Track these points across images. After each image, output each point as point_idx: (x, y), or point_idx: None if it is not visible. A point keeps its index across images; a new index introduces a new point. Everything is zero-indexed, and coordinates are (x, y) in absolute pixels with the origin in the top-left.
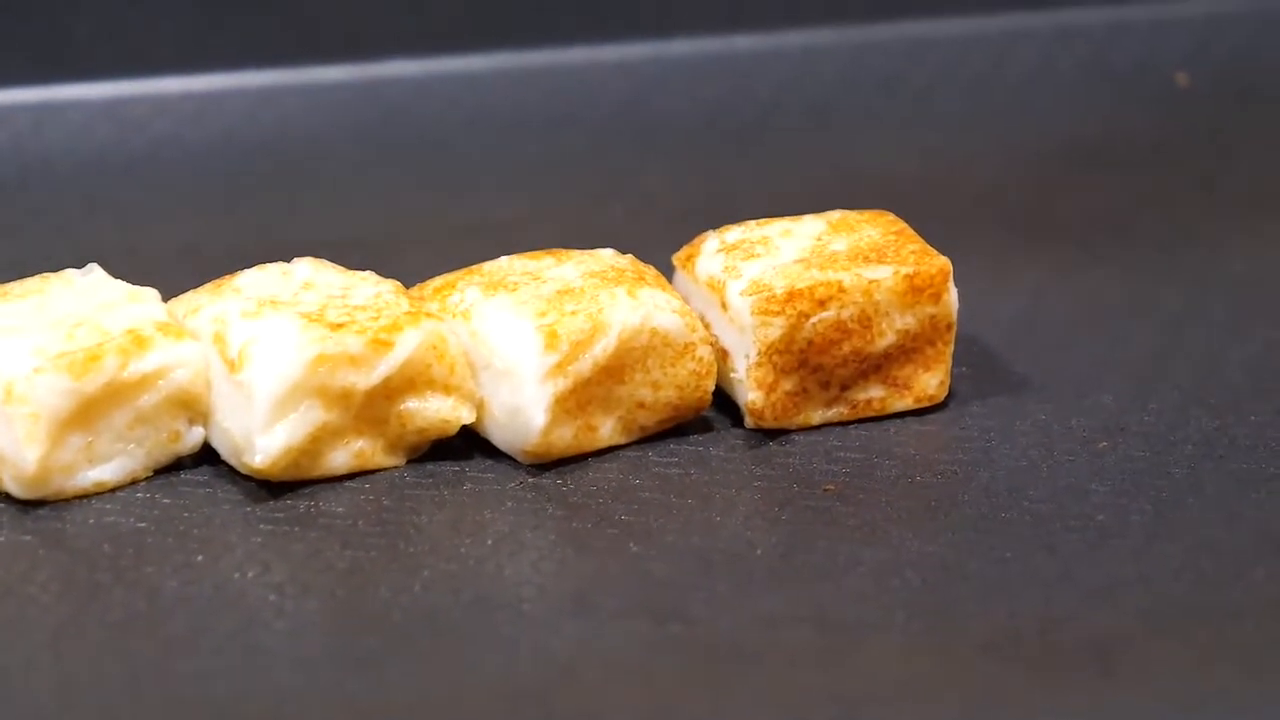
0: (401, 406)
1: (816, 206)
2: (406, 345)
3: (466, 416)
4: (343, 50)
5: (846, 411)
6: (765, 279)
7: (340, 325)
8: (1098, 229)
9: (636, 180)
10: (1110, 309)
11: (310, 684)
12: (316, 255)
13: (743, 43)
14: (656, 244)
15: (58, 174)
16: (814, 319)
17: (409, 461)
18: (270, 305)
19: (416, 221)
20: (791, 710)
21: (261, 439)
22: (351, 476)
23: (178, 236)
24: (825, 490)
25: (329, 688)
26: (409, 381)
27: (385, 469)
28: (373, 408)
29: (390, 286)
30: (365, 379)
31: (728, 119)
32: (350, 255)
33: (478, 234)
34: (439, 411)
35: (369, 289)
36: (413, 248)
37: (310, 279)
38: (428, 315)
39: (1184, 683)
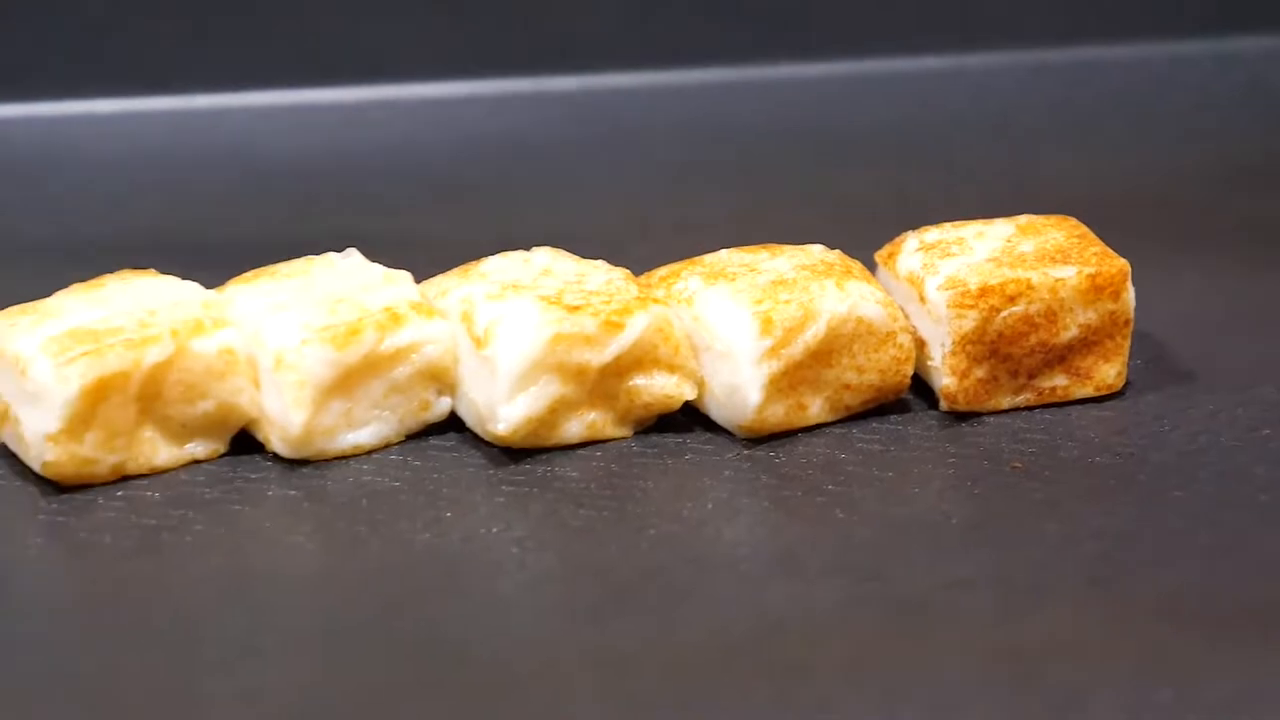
0: (631, 383)
1: (997, 213)
2: (636, 327)
3: (689, 393)
4: (574, 63)
5: (1033, 397)
6: (960, 275)
7: (576, 308)
8: (1258, 239)
9: (833, 186)
10: (1271, 310)
11: (545, 631)
12: (552, 246)
13: (932, 63)
14: (850, 243)
15: (319, 169)
16: (1004, 313)
17: (636, 433)
18: (513, 289)
19: (640, 218)
20: (975, 664)
21: (504, 409)
22: (584, 445)
23: (426, 226)
24: (1013, 468)
25: (561, 635)
26: (637, 360)
27: (614, 439)
28: (605, 383)
29: (620, 274)
30: (598, 357)
31: (916, 132)
32: (582, 247)
33: (694, 231)
34: (664, 388)
35: (601, 276)
36: (637, 241)
37: (548, 266)
38: (655, 301)
39: None
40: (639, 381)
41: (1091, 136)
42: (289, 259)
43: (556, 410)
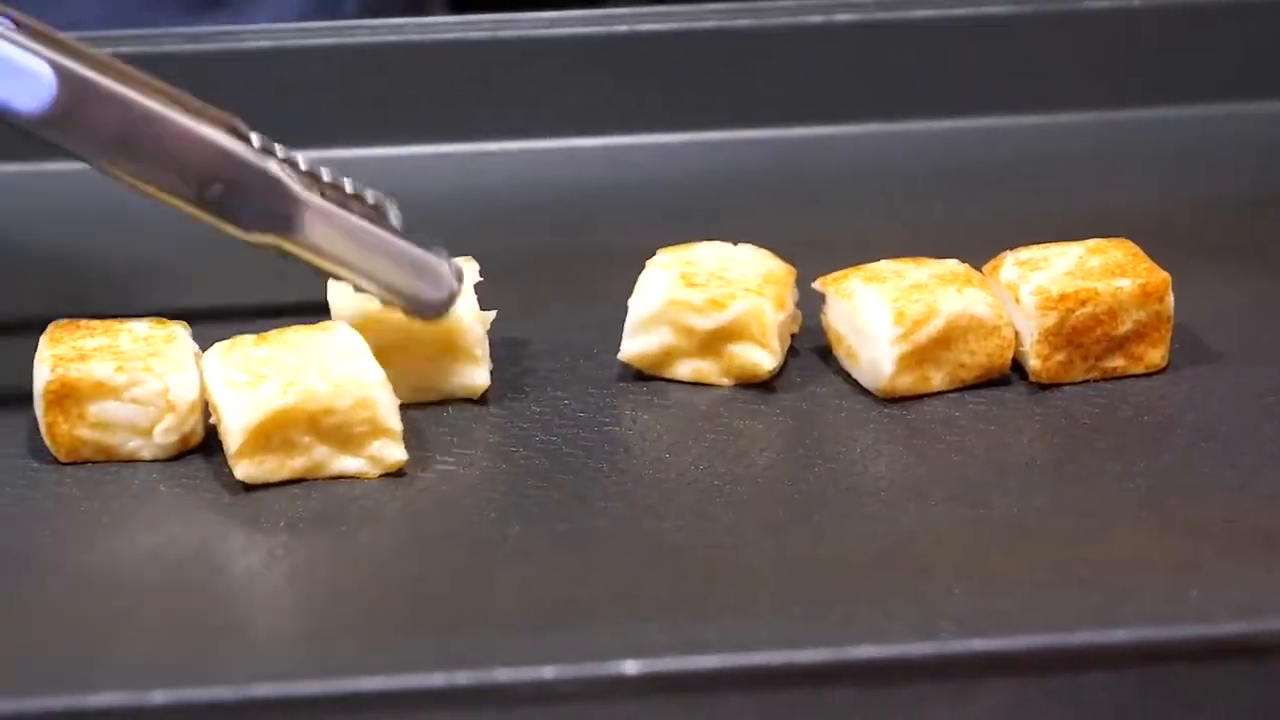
0: (729, 347)
1: (1075, 238)
2: (733, 310)
3: (768, 365)
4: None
5: (1098, 375)
6: (1045, 285)
7: (696, 285)
8: (1270, 256)
9: (963, 217)
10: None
11: (738, 540)
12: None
13: (1034, 120)
14: (973, 258)
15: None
16: (1077, 312)
17: (737, 386)
18: (684, 263)
19: (833, 236)
20: (1055, 569)
21: (626, 343)
22: (766, 406)
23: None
24: (1083, 424)
25: (751, 544)
26: (737, 333)
27: (718, 386)
28: (710, 343)
29: (766, 273)
30: (703, 323)
31: (1021, 175)
32: (799, 258)
33: (871, 246)
34: (750, 357)
35: (751, 270)
36: (827, 255)
37: (733, 255)
38: (757, 294)
39: None
40: (734, 348)
41: (1147, 180)
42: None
43: (669, 353)
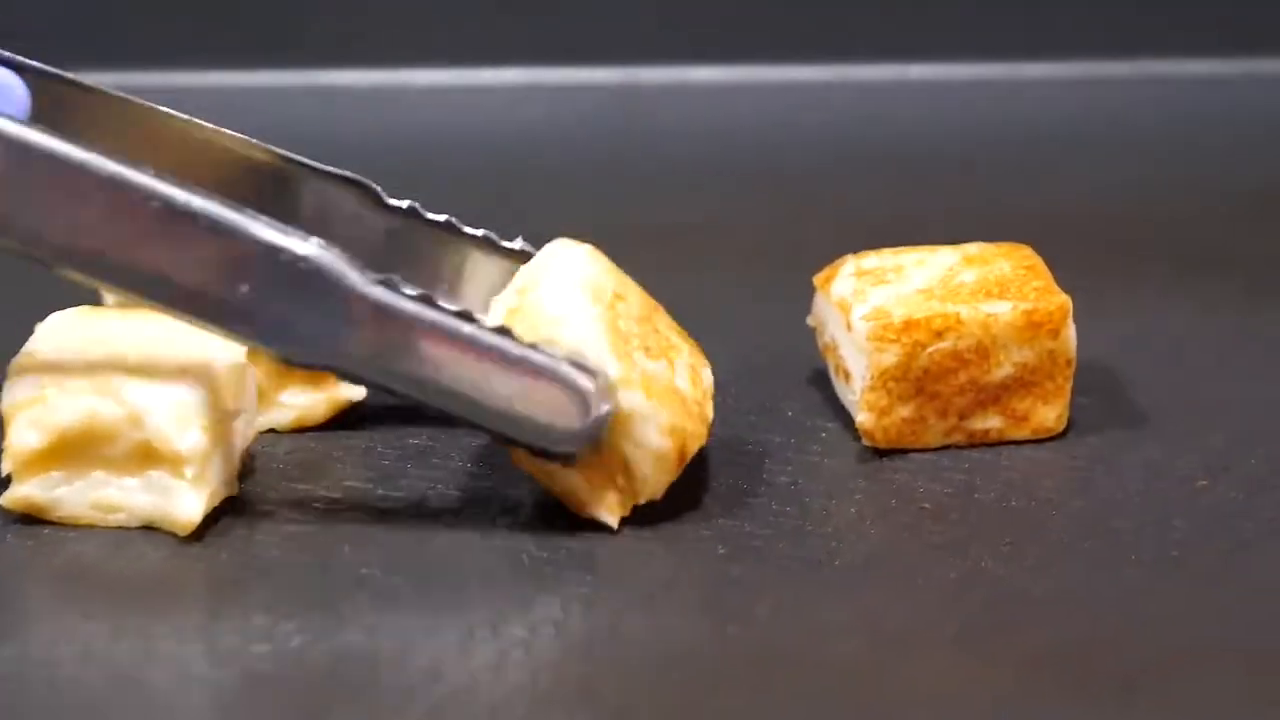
0: None
1: (988, 236)
2: None
3: None
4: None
5: (963, 440)
6: (886, 306)
7: None
8: (1242, 274)
9: (824, 198)
10: (1243, 352)
11: None
12: None
13: (917, 71)
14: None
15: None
16: (930, 348)
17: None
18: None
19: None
20: (815, 710)
21: None
22: None
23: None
24: (920, 509)
25: None
26: None
27: None
28: None
29: None
30: None
31: (914, 147)
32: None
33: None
34: None
35: None
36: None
37: None
38: None
39: None
40: None
41: (1080, 163)
42: None
43: None
